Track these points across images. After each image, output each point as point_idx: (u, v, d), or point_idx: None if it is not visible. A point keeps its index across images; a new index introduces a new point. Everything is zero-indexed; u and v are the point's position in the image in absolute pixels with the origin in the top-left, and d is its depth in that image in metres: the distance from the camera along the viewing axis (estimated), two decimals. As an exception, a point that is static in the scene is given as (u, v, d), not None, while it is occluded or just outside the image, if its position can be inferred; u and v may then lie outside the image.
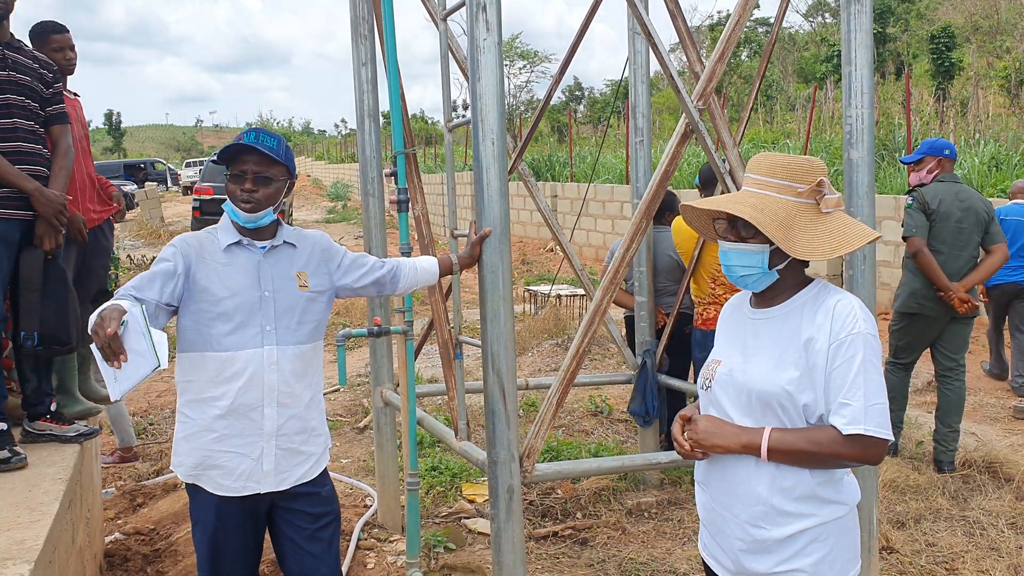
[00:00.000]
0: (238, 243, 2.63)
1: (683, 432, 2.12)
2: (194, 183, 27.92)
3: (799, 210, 1.99)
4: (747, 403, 2.01)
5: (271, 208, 2.63)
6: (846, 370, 1.89)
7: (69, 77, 4.22)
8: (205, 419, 2.58)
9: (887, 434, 1.89)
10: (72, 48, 4.17)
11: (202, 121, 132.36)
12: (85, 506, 3.75)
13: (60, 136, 3.67)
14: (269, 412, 2.59)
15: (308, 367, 2.69)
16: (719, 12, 46.75)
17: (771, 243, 1.99)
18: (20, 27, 3.69)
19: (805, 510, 1.98)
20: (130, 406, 7.29)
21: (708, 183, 5.19)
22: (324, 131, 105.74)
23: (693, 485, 5.08)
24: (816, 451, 1.89)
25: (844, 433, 1.86)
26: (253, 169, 2.59)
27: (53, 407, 3.74)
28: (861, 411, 1.86)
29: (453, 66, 3.96)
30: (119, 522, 4.95)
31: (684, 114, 3.60)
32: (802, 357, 1.95)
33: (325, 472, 2.82)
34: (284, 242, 2.71)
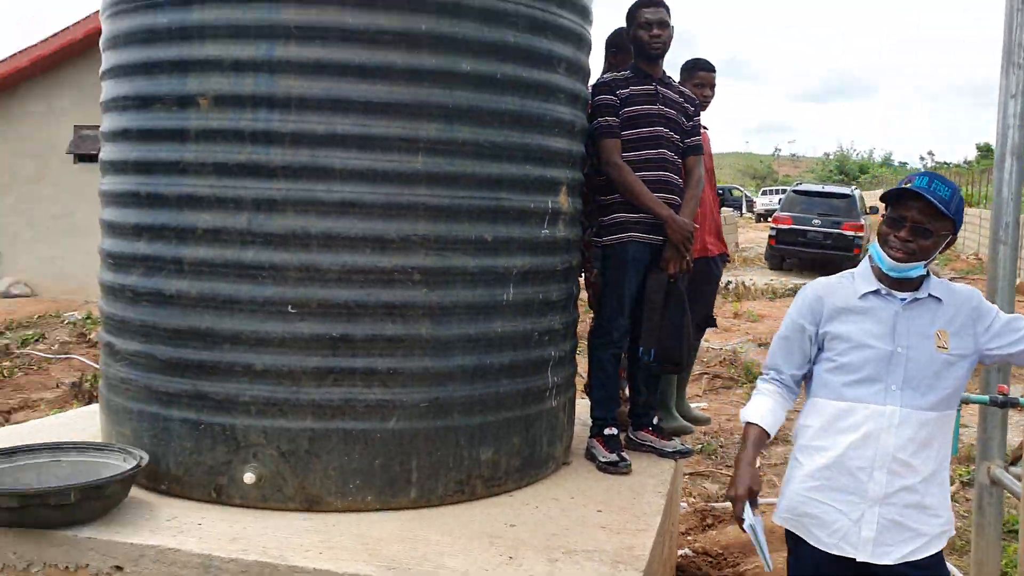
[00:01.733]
0: (876, 292, 2.47)
1: None
2: (769, 211, 28.40)
3: None
4: None
5: (923, 263, 2.42)
6: None
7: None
8: (810, 466, 2.50)
9: None
10: (712, 87, 4.41)
11: (779, 150, 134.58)
12: (672, 519, 3.92)
13: (694, 167, 3.88)
14: (878, 476, 2.40)
15: (933, 438, 2.43)
16: None
17: None
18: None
19: None
20: (711, 426, 7.39)
21: None
22: (905, 163, 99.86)
23: None
24: None
25: None
26: (915, 217, 2.38)
27: (655, 420, 3.98)
28: None
29: None
30: (688, 538, 5.12)
31: None
32: None
33: (940, 557, 2.50)
34: (929, 295, 2.46)
